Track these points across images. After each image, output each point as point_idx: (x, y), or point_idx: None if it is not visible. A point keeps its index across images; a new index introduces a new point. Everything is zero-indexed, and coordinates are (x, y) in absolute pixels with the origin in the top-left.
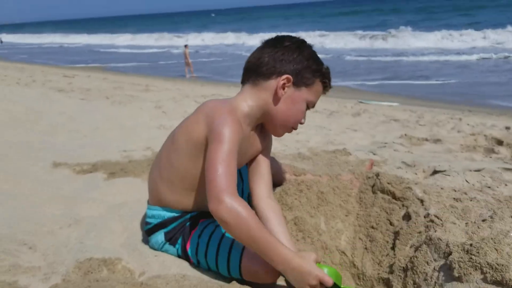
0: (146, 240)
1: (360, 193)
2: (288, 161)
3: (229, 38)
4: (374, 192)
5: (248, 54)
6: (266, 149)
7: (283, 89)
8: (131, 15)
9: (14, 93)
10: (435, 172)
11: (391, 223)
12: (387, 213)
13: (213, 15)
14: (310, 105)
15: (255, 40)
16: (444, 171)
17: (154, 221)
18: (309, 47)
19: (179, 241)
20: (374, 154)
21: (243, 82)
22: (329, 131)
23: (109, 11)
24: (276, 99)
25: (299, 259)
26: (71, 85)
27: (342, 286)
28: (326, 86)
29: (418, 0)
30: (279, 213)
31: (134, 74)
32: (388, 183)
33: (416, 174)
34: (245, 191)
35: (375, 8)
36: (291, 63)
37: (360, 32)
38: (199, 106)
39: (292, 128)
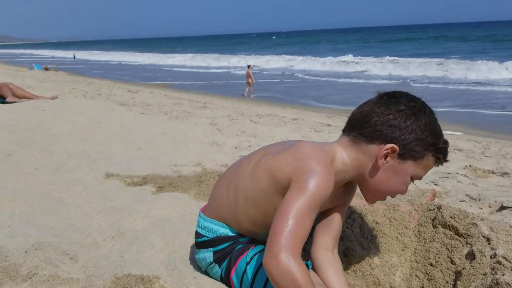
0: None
1: (419, 226)
2: None
3: (287, 60)
4: (434, 226)
5: (305, 77)
6: (345, 203)
7: (385, 158)
8: (190, 36)
9: (79, 105)
10: (502, 208)
11: (452, 262)
12: (448, 250)
13: (274, 37)
14: (414, 178)
15: (310, 62)
16: None
17: (205, 233)
18: (429, 114)
19: (225, 262)
20: (436, 184)
21: (345, 131)
22: None
23: (169, 31)
24: (375, 167)
25: None
26: (133, 99)
27: None
28: (439, 161)
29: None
30: (339, 270)
31: (194, 91)
32: (451, 217)
33: (481, 208)
34: None
35: (440, 35)
36: (401, 132)
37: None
38: (291, 144)
39: (387, 197)
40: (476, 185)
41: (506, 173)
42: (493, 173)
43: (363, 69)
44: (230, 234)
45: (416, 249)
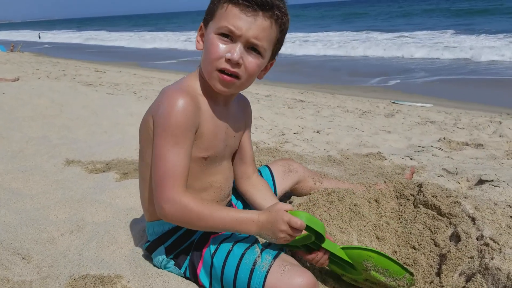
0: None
1: (400, 206)
2: (317, 166)
3: None
4: (416, 206)
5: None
6: (246, 126)
7: (202, 40)
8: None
9: (41, 87)
10: (481, 181)
11: (436, 244)
12: (431, 231)
13: None
14: (225, 30)
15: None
16: (492, 181)
17: (152, 237)
18: None
19: (187, 261)
20: (411, 158)
21: None
22: (361, 132)
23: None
24: (201, 55)
25: (265, 213)
26: (100, 79)
27: (326, 239)
28: (236, 2)
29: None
30: (263, 189)
31: (165, 70)
32: (432, 196)
33: (459, 183)
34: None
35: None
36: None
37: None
38: None
39: (219, 72)
40: (452, 158)
41: (480, 145)
42: (467, 144)
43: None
44: (175, 225)
45: (397, 232)
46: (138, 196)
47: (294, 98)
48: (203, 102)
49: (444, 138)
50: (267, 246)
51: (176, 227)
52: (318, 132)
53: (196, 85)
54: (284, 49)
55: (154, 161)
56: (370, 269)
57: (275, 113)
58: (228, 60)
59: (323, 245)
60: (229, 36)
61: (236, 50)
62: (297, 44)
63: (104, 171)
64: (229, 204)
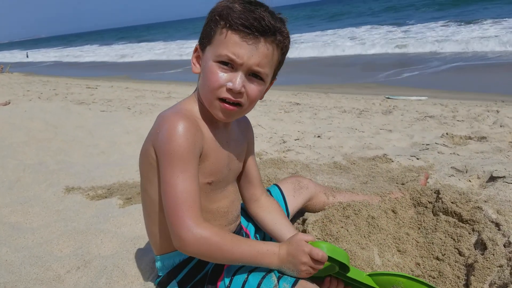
0: None
1: (418, 215)
2: (325, 175)
3: None
4: (435, 214)
5: None
6: (249, 146)
7: (198, 63)
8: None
9: (33, 109)
10: (492, 178)
11: (460, 253)
12: (454, 240)
13: None
14: (225, 58)
15: None
16: (504, 177)
17: (163, 273)
18: (229, 1)
19: None
20: (417, 158)
21: None
22: (361, 133)
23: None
24: (198, 78)
25: (285, 245)
26: (92, 96)
27: (350, 267)
28: (236, 29)
29: None
30: (273, 211)
31: (156, 81)
32: (452, 202)
33: (470, 181)
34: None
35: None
36: (202, 31)
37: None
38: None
39: (220, 101)
40: (458, 154)
41: (483, 138)
42: (470, 138)
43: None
44: (186, 256)
45: (418, 242)
46: (144, 223)
47: (289, 101)
48: (203, 126)
49: (447, 134)
50: (283, 273)
51: (187, 259)
52: (319, 136)
53: (194, 110)
54: None
55: (163, 191)
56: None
57: (273, 119)
58: (230, 90)
59: (349, 275)
60: (229, 64)
61: (238, 79)
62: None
63: (106, 197)
64: (239, 228)
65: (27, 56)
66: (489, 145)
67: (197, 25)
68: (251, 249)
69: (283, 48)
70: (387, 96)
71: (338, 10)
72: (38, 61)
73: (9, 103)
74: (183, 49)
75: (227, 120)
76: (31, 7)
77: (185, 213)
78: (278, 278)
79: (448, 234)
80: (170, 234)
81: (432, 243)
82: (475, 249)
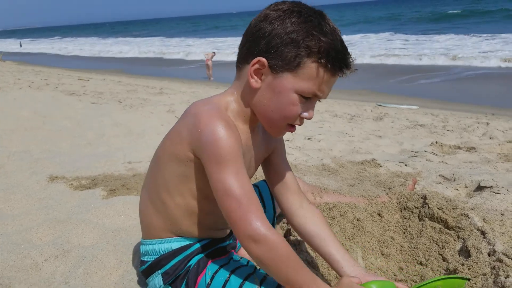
0: (143, 279)
1: (404, 220)
2: (313, 176)
3: None
4: (420, 219)
5: None
6: (279, 149)
7: (258, 76)
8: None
9: (23, 97)
10: (480, 188)
11: (444, 259)
12: (438, 246)
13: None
14: (306, 94)
15: None
16: (491, 187)
17: (149, 259)
18: (301, 13)
19: (183, 287)
20: (406, 165)
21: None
22: (352, 137)
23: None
24: (251, 90)
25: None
26: (84, 88)
27: None
28: (327, 67)
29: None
30: (320, 222)
31: (150, 76)
32: (438, 208)
33: (457, 189)
34: (268, 210)
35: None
36: (265, 40)
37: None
38: (184, 111)
39: (288, 125)
40: (446, 163)
41: (472, 148)
42: (459, 148)
43: None
44: (174, 247)
45: (402, 247)
46: (126, 215)
47: None
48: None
49: (436, 142)
50: (267, 275)
51: (174, 252)
52: (309, 138)
53: (229, 109)
54: None
55: (222, 194)
56: None
57: None
58: (302, 118)
59: None
60: (310, 98)
61: (313, 110)
62: None
63: (90, 188)
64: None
65: (21, 46)
66: (477, 155)
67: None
68: (310, 276)
69: None
70: (378, 104)
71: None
72: (35, 52)
73: None
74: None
75: (277, 137)
76: None
77: (253, 215)
78: (261, 282)
79: (433, 240)
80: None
81: (417, 248)
82: (459, 256)
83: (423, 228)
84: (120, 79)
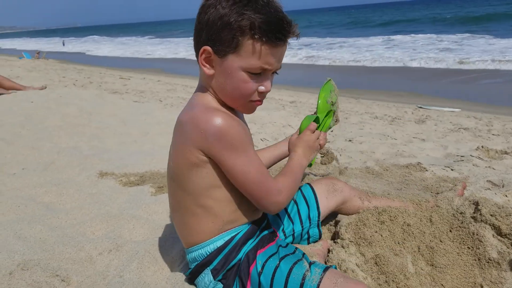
0: None
1: (455, 226)
2: (358, 179)
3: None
4: (472, 226)
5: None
6: None
7: (208, 64)
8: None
9: (69, 95)
10: None
11: (499, 266)
12: (491, 253)
13: None
14: (254, 70)
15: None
16: None
17: (194, 264)
18: (252, 10)
19: (236, 282)
20: (452, 169)
21: None
22: (394, 140)
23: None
24: (208, 78)
25: (296, 147)
26: (126, 86)
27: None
28: (264, 40)
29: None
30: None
31: (187, 75)
32: (491, 215)
33: (506, 196)
34: (312, 209)
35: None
36: (205, 28)
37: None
38: (176, 126)
39: (250, 102)
40: (493, 168)
41: None
42: (506, 153)
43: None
44: (219, 244)
45: (453, 253)
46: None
47: None
48: None
49: (482, 147)
50: (314, 261)
51: (221, 247)
52: (350, 140)
53: (214, 103)
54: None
55: (238, 179)
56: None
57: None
58: (261, 92)
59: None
60: (260, 72)
61: (269, 82)
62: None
63: (138, 184)
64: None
65: (63, 45)
66: None
67: None
68: (297, 163)
69: None
70: (419, 106)
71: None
72: (75, 52)
73: (45, 87)
74: None
75: (249, 114)
76: None
77: (271, 185)
78: (310, 264)
79: (486, 247)
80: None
81: (469, 255)
82: None
83: (475, 235)
84: (159, 78)
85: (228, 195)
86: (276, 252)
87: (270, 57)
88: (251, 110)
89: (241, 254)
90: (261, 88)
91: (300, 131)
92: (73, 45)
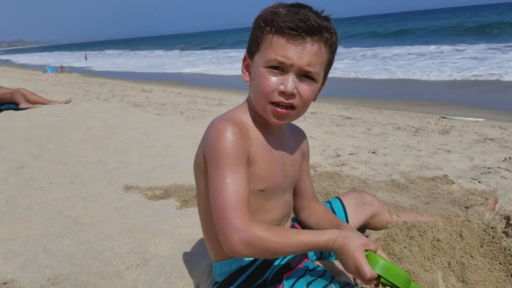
0: None
1: (486, 242)
2: (385, 193)
3: None
4: (504, 241)
5: None
6: (306, 154)
7: (247, 71)
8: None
9: (93, 109)
10: None
11: None
12: None
13: None
14: (274, 62)
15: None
16: None
17: (220, 279)
18: (271, 7)
19: None
20: (479, 181)
21: None
22: (418, 152)
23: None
24: (249, 86)
25: (342, 240)
26: (147, 99)
27: None
28: (279, 31)
29: None
30: (321, 212)
31: (207, 87)
32: None
33: None
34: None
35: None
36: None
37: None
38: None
39: (273, 106)
40: None
41: None
42: None
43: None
44: (242, 264)
45: (484, 270)
46: (200, 226)
47: (340, 115)
48: (254, 131)
49: (510, 158)
50: (345, 285)
51: (245, 266)
52: (374, 152)
53: (244, 117)
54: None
55: (211, 194)
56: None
57: (325, 132)
58: (282, 93)
59: None
60: (279, 67)
61: (289, 81)
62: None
63: (163, 198)
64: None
65: (86, 59)
66: None
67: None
68: (304, 243)
69: (331, 45)
70: (442, 116)
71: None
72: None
73: (70, 101)
74: None
75: (281, 123)
76: (88, 10)
77: (232, 215)
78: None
79: None
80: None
81: (501, 271)
82: None
83: (507, 250)
84: (179, 90)
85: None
86: (303, 275)
87: (287, 50)
88: (275, 116)
89: (266, 275)
90: (281, 87)
91: (369, 259)
92: (99, 57)
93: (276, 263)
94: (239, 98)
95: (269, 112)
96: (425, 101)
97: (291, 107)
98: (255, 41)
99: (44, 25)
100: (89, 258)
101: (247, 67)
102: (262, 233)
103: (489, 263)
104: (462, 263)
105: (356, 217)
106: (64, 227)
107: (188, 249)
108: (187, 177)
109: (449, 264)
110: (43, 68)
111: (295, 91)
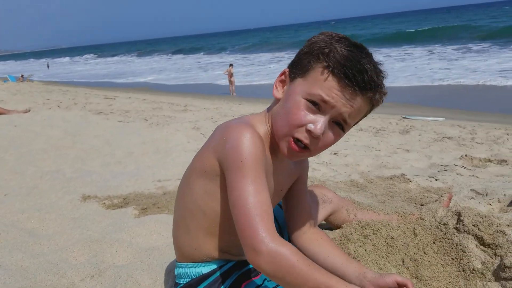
0: None
1: (438, 238)
2: (342, 193)
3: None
4: (455, 237)
5: None
6: (303, 177)
7: (280, 86)
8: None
9: (53, 117)
10: None
11: (483, 277)
12: (475, 264)
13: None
14: (317, 99)
15: None
16: None
17: (181, 282)
18: (329, 36)
19: None
20: (436, 179)
21: None
22: (378, 152)
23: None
24: (275, 101)
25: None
26: (111, 106)
27: None
28: (336, 72)
29: None
30: (325, 244)
31: (174, 92)
32: (473, 225)
33: (490, 204)
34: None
35: None
36: (297, 54)
37: None
38: (215, 129)
39: (290, 136)
40: (477, 177)
41: (503, 161)
42: (490, 161)
43: None
44: (205, 271)
45: (437, 265)
46: (159, 234)
47: None
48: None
49: (465, 156)
50: None
51: (204, 276)
52: (335, 153)
53: (261, 129)
54: None
55: (234, 202)
56: None
57: None
58: (308, 131)
59: None
60: (318, 105)
61: (321, 123)
62: None
63: (121, 207)
64: None
65: (48, 67)
66: (509, 168)
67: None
68: (329, 283)
69: (375, 104)
70: (404, 116)
71: None
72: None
73: (29, 110)
74: None
75: (289, 159)
76: (51, 19)
77: (259, 224)
78: None
79: (469, 258)
80: (240, 245)
81: (453, 266)
82: (499, 274)
83: (458, 246)
84: (144, 96)
85: (214, 228)
86: (261, 285)
87: (335, 92)
88: (288, 150)
89: (225, 285)
90: (310, 125)
91: None
92: (57, 67)
93: (234, 274)
94: (205, 103)
95: (285, 143)
96: (388, 103)
97: (307, 147)
98: (304, 66)
99: (7, 33)
100: (43, 271)
101: (282, 82)
102: (288, 252)
103: (441, 259)
104: (415, 260)
105: (317, 215)
106: (18, 240)
107: (145, 258)
108: (147, 185)
109: (403, 261)
110: (3, 77)
111: (321, 136)
